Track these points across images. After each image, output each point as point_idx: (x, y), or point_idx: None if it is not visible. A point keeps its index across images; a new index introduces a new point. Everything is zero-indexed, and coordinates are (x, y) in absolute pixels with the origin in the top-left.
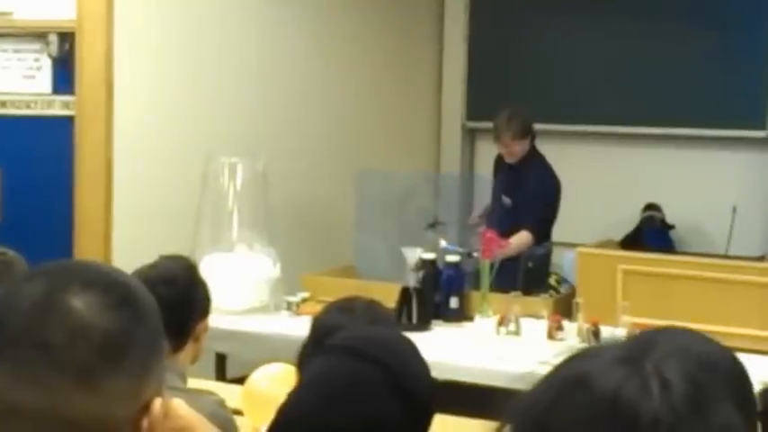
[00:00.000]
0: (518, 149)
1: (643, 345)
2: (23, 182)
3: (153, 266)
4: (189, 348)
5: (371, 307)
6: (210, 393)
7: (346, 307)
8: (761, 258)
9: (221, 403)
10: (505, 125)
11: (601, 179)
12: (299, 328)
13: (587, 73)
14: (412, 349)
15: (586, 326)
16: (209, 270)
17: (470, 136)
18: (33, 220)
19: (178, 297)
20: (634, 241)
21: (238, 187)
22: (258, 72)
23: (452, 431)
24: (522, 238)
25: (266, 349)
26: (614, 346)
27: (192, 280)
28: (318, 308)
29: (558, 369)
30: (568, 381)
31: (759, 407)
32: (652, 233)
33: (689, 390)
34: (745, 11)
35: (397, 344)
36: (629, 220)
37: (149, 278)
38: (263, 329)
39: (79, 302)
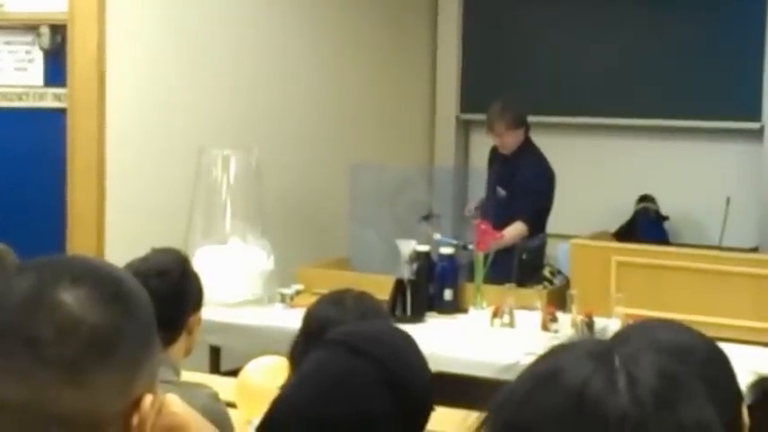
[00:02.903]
0: (511, 140)
1: (616, 339)
2: (15, 175)
3: (144, 259)
4: (182, 341)
5: (362, 299)
6: (204, 386)
7: (337, 299)
8: (754, 250)
9: (215, 396)
10: (498, 115)
11: (595, 171)
12: (292, 320)
13: (581, 64)
14: (408, 344)
15: (580, 317)
16: (203, 263)
17: (464, 128)
18: (25, 214)
19: (170, 290)
20: (628, 233)
21: (232, 180)
22: (251, 65)
23: (435, 421)
24: (515, 230)
25: (260, 342)
26: (590, 340)
27: (184, 272)
28: (312, 300)
29: (535, 363)
30: (540, 375)
31: (752, 398)
32: (646, 225)
33: (658, 384)
34: (740, 1)
35: (392, 338)
36: (623, 211)
37: (141, 271)
38: (257, 322)
39: (69, 297)
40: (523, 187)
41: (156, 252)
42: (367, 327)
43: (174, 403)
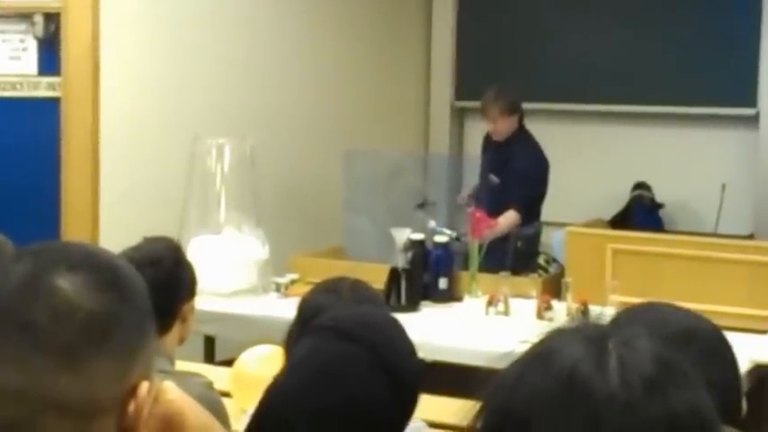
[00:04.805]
0: (504, 126)
1: (614, 322)
2: (9, 164)
3: (137, 248)
4: (176, 330)
5: (357, 287)
6: (198, 376)
7: (332, 287)
8: (750, 237)
9: (209, 385)
10: (493, 101)
11: (590, 158)
12: (287, 309)
13: (577, 51)
14: (397, 328)
15: (575, 305)
16: (198, 252)
17: (459, 116)
18: (20, 203)
19: (164, 278)
20: (623, 220)
21: (226, 169)
22: (245, 53)
23: (431, 410)
24: (509, 218)
25: (255, 331)
26: (587, 324)
27: (177, 261)
28: (307, 289)
29: (531, 348)
30: (532, 358)
31: (748, 385)
32: (641, 212)
33: (651, 368)
34: None
35: (382, 323)
36: (618, 199)
37: (134, 260)
38: (252, 311)
39: (65, 283)
40: (517, 175)
41: (149, 241)
42: (356, 312)
43: (171, 390)
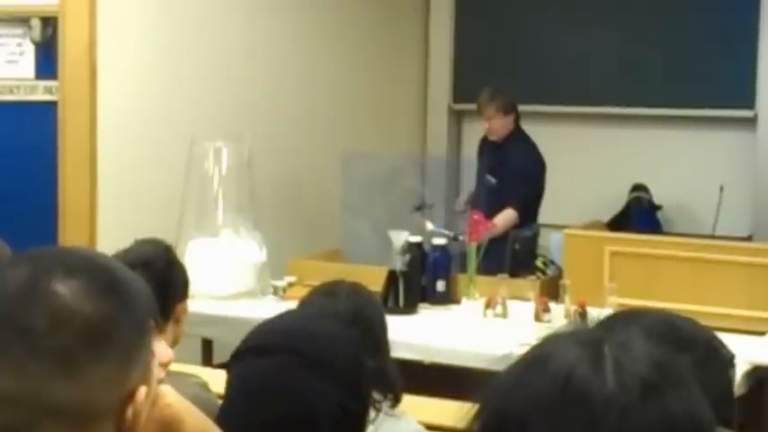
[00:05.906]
0: (500, 125)
1: (611, 326)
2: (6, 168)
3: (128, 251)
4: (169, 331)
5: (355, 290)
6: (192, 376)
7: (330, 290)
8: (748, 238)
9: (204, 386)
10: (489, 99)
11: (588, 160)
12: None
13: (574, 53)
14: (323, 325)
15: (573, 307)
16: (195, 255)
17: (457, 118)
18: (17, 207)
19: (156, 280)
20: (621, 222)
21: (223, 171)
22: (242, 56)
23: (429, 412)
24: (506, 217)
25: None
26: (583, 329)
27: (169, 262)
28: (305, 292)
29: (527, 352)
30: (528, 362)
31: (746, 387)
32: (639, 214)
33: (647, 371)
34: None
35: (303, 324)
36: (616, 201)
37: (126, 262)
38: (250, 314)
39: (63, 288)
40: (514, 174)
41: (140, 243)
42: (270, 325)
43: (169, 395)
